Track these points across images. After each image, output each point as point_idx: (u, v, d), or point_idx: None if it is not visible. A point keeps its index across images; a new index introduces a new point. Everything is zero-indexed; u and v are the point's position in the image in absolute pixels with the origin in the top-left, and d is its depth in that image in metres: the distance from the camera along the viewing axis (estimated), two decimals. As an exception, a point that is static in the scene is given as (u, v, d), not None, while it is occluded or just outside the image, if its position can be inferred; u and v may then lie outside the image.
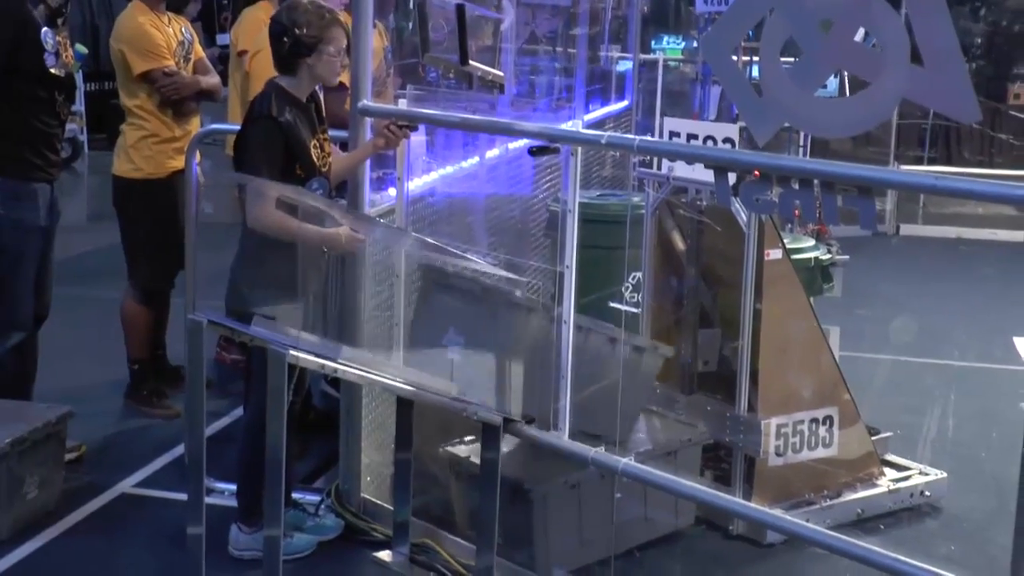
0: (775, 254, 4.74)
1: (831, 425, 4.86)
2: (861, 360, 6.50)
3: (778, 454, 4.73)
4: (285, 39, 4.23)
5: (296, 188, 4.20)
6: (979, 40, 12.91)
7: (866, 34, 3.42)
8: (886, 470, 5.08)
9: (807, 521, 4.21)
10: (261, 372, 3.83)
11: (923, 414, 5.29)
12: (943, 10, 3.10)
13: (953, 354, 6.68)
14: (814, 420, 4.82)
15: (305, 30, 4.20)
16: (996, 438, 5.40)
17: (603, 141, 3.95)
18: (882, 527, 4.77)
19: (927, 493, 5.02)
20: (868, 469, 5.00)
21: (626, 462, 3.80)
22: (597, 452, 3.89)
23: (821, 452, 4.85)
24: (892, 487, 4.98)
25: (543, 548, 4.28)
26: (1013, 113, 12.50)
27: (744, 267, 4.68)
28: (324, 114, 4.51)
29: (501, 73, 5.63)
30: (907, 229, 11.24)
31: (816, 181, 3.41)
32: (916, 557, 3.22)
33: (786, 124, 3.82)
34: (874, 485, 4.97)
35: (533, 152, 4.17)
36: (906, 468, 5.15)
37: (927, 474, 5.09)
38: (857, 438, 4.96)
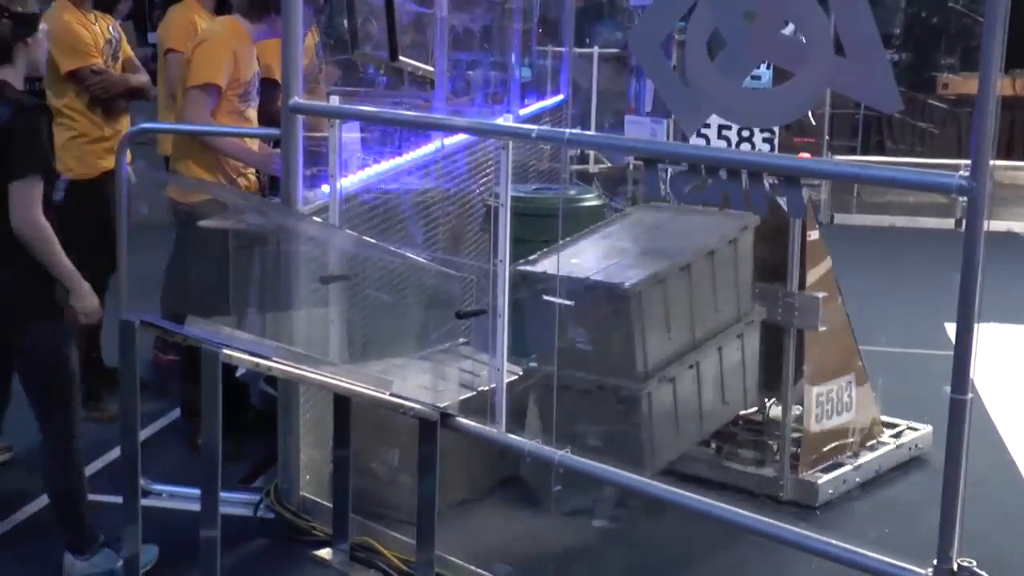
0: (814, 235, 4.98)
1: (851, 390, 5.15)
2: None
3: (816, 421, 5.01)
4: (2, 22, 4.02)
5: None
6: (902, 32, 13.06)
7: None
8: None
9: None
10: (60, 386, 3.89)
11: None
12: (863, 2, 3.14)
13: (887, 340, 6.77)
14: (840, 386, 5.12)
15: (21, 8, 4.06)
16: (928, 422, 5.48)
17: (534, 135, 3.98)
18: (818, 513, 4.82)
19: (920, 446, 5.37)
20: (874, 427, 5.33)
21: (562, 454, 3.82)
22: (533, 445, 3.92)
23: (845, 416, 5.15)
24: (896, 443, 5.31)
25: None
26: (932, 102, 12.62)
27: (791, 247, 4.85)
28: None
29: (432, 68, 5.63)
30: (841, 218, 11.36)
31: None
32: (851, 541, 3.29)
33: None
34: (882, 443, 5.29)
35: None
36: (895, 425, 5.50)
37: (916, 428, 5.44)
38: (868, 400, 5.29)
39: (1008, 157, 12.66)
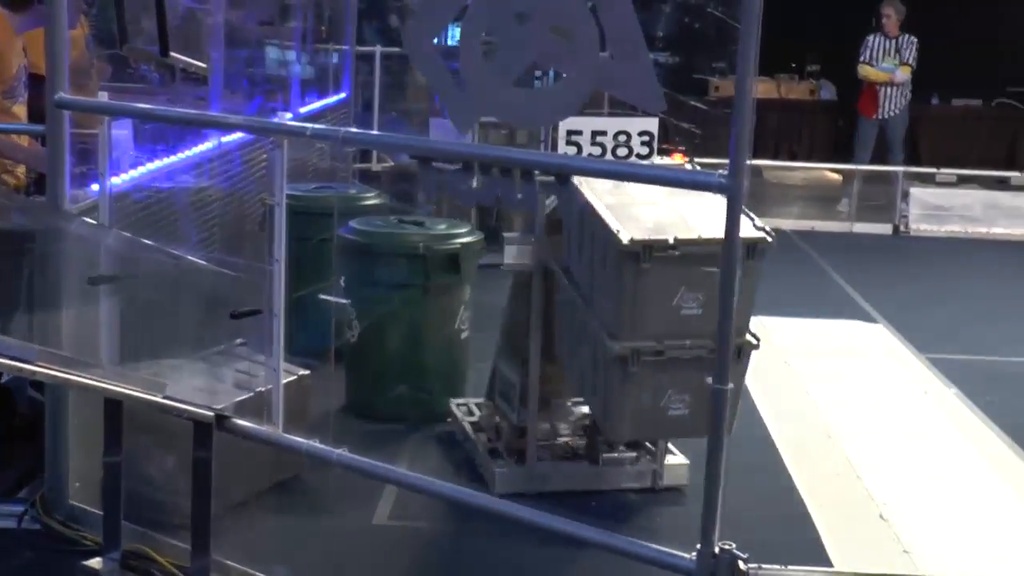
0: None
1: None
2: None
3: None
4: None
5: None
6: (669, 35, 13.41)
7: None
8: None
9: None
10: None
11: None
12: (627, 5, 3.24)
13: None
14: None
15: None
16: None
17: (308, 133, 3.95)
18: (593, 504, 4.93)
19: None
20: None
21: (340, 453, 3.81)
22: (311, 444, 3.89)
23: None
24: None
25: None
26: (699, 105, 12.99)
27: None
28: None
29: (204, 65, 5.53)
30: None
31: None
32: (623, 530, 3.39)
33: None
34: None
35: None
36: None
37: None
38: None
39: (775, 157, 13.22)
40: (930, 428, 6.07)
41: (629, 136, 4.61)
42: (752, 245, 4.37)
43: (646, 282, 4.26)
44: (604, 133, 4.65)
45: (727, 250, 2.97)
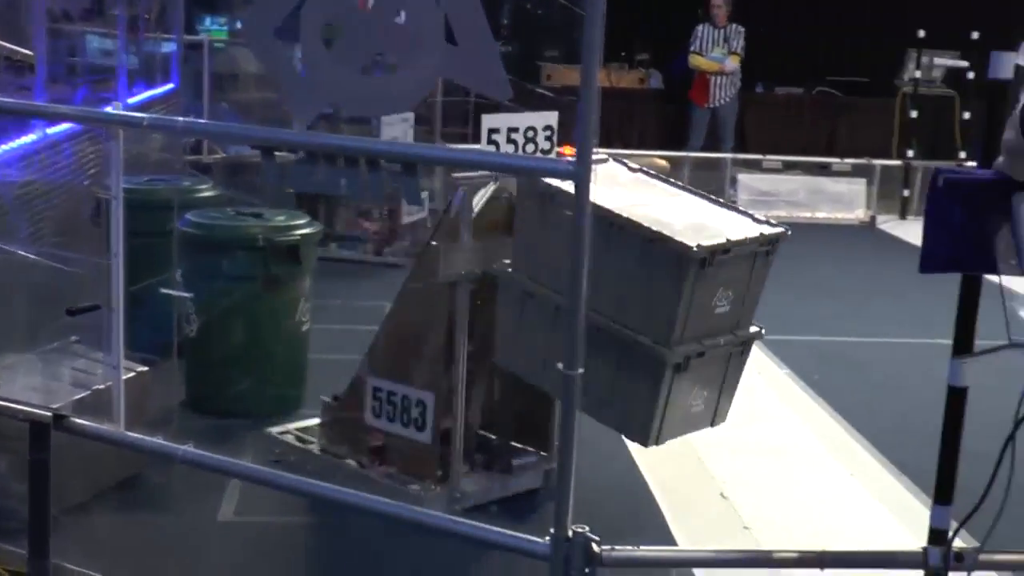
0: None
1: None
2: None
3: None
4: None
5: None
6: (510, 22, 13.50)
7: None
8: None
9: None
10: None
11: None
12: (473, -7, 3.23)
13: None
14: None
15: None
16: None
17: (145, 123, 3.85)
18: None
19: None
20: None
21: (185, 449, 3.73)
22: (154, 442, 3.81)
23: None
24: None
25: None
26: (543, 92, 13.12)
27: None
28: None
29: (30, 52, 5.35)
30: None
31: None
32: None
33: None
34: None
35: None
36: None
37: None
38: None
39: (607, 145, 13.40)
40: (765, 408, 6.25)
41: (536, 131, 4.58)
42: (774, 240, 4.54)
43: (700, 285, 4.22)
44: (517, 130, 4.60)
45: (576, 236, 3.00)
